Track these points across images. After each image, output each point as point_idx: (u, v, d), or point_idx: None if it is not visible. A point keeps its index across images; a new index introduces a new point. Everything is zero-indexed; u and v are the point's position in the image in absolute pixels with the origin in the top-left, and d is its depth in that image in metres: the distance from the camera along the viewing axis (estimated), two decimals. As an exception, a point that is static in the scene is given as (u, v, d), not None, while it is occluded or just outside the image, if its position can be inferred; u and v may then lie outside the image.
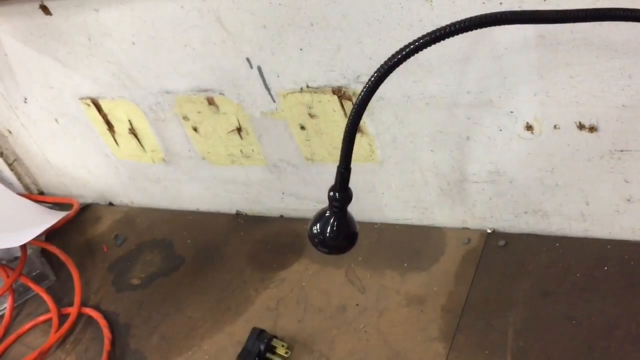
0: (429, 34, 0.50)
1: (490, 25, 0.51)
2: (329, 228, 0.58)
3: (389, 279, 0.85)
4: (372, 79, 0.53)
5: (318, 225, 0.59)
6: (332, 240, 0.59)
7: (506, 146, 0.76)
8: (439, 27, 0.50)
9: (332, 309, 0.84)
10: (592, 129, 0.69)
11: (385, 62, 0.53)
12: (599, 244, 0.78)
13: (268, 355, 0.80)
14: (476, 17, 0.50)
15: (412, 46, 0.51)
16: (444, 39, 0.51)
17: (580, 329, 0.70)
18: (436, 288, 0.81)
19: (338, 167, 0.57)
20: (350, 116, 0.55)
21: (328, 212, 0.59)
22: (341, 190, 0.58)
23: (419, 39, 0.51)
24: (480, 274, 0.81)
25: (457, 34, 0.50)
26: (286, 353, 0.80)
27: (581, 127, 0.70)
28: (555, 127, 0.71)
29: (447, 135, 0.79)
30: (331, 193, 0.58)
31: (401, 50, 0.52)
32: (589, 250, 0.77)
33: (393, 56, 0.52)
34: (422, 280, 0.83)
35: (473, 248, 0.84)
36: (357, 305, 0.84)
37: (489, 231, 0.86)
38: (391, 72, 0.53)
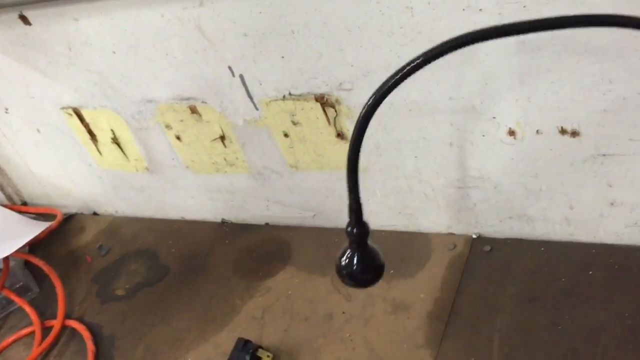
0: (424, 54, 0.48)
1: (488, 39, 0.48)
2: (354, 262, 0.58)
3: (375, 286, 0.85)
4: (365, 109, 0.50)
5: (343, 259, 0.59)
6: (359, 274, 0.59)
7: (489, 152, 0.76)
8: (434, 45, 0.48)
9: (318, 318, 0.84)
10: (575, 133, 0.69)
11: (380, 88, 0.50)
12: (584, 248, 0.78)
13: (254, 365, 0.79)
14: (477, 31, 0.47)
15: (408, 67, 0.48)
16: (441, 56, 0.48)
17: (566, 335, 0.69)
18: (422, 295, 0.81)
19: (349, 204, 0.56)
20: (350, 147, 0.53)
21: (350, 249, 0.59)
22: (357, 226, 0.57)
23: (413, 60, 0.48)
24: (466, 280, 0.81)
25: (456, 50, 0.48)
26: (272, 363, 0.79)
27: (563, 132, 0.70)
28: (537, 132, 0.71)
29: (431, 141, 0.79)
30: (348, 229, 0.57)
31: (396, 73, 0.49)
32: (574, 254, 0.77)
33: (385, 82, 0.49)
34: (408, 286, 0.83)
35: (459, 254, 0.84)
36: (343, 313, 0.83)
37: (474, 236, 0.86)
38: (388, 94, 0.50)
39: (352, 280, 0.60)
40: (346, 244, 0.58)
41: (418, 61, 0.48)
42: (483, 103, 0.71)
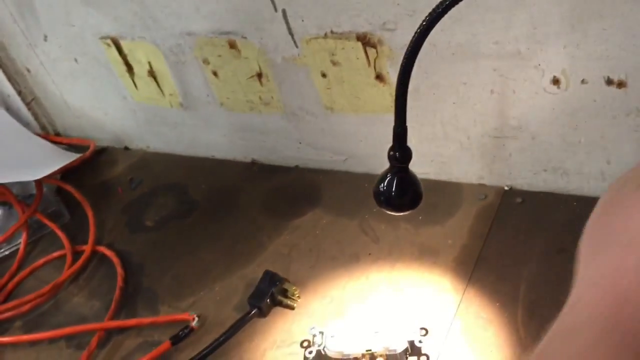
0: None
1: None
2: (393, 187, 0.59)
3: (403, 230, 0.85)
4: (421, 28, 0.51)
5: (382, 184, 0.60)
6: (396, 199, 0.60)
7: (531, 101, 0.75)
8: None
9: (344, 257, 0.85)
10: (621, 84, 0.68)
11: (434, 9, 0.50)
12: (618, 204, 0.77)
13: (279, 297, 0.80)
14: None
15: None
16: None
17: (594, 286, 0.69)
18: (450, 241, 0.81)
19: (394, 127, 0.57)
20: (400, 71, 0.54)
21: (390, 172, 0.60)
22: (400, 149, 0.58)
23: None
24: (495, 229, 0.81)
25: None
26: (297, 297, 0.80)
27: (609, 82, 0.69)
28: (582, 81, 0.70)
29: (471, 87, 0.78)
30: (391, 152, 0.58)
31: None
32: (607, 210, 0.77)
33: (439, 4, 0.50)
34: (436, 233, 0.83)
35: (489, 204, 0.84)
36: (369, 254, 0.84)
37: (506, 188, 0.85)
38: (441, 18, 0.50)
39: (388, 204, 0.60)
40: (385, 169, 0.58)
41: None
42: (529, 49, 0.70)
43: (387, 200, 0.60)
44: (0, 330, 0.90)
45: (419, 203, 0.62)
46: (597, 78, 0.69)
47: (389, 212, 0.64)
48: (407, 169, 0.59)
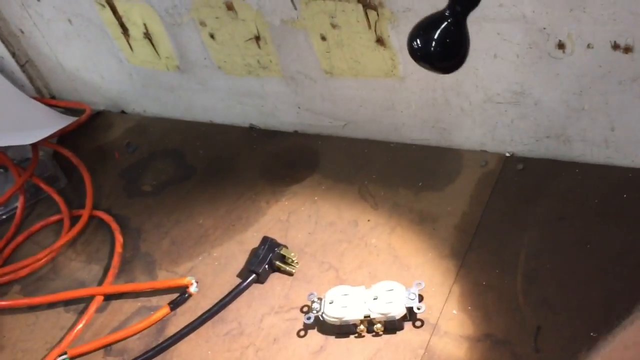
0: None
1: None
2: (437, 35, 0.46)
3: (402, 197, 0.85)
4: None
5: (425, 29, 0.46)
6: (439, 53, 0.47)
7: (535, 65, 0.73)
8: None
9: (343, 223, 0.84)
10: (628, 49, 0.67)
11: None
12: (620, 171, 0.76)
13: (278, 263, 0.80)
14: None
15: None
16: None
17: (594, 253, 0.69)
18: (450, 208, 0.81)
19: None
20: None
21: (441, 17, 0.47)
22: None
23: None
24: (496, 196, 0.80)
25: None
26: (296, 263, 0.80)
27: (616, 47, 0.67)
28: (588, 46, 0.68)
29: (474, 51, 0.75)
30: None
31: None
32: (609, 177, 0.76)
33: None
34: (436, 199, 0.83)
35: (490, 171, 0.83)
36: (368, 220, 0.83)
37: (507, 155, 0.84)
38: None
39: (425, 60, 0.48)
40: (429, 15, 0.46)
41: None
42: (535, 12, 0.69)
43: (426, 54, 0.47)
44: (-1, 295, 0.90)
45: (461, 65, 0.50)
46: (604, 42, 0.67)
47: (422, 65, 0.51)
48: (466, 16, 0.47)
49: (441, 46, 0.47)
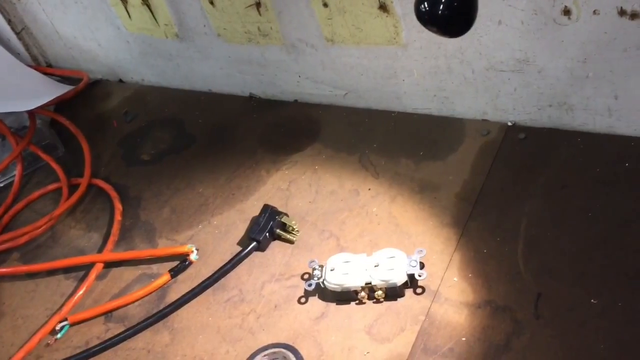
0: None
1: None
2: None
3: (403, 166, 0.84)
4: None
5: None
6: (446, 10, 0.47)
7: (539, 32, 0.72)
8: None
9: (344, 192, 0.84)
10: (634, 15, 0.66)
11: None
12: (623, 140, 0.76)
13: (278, 231, 0.80)
14: None
15: None
16: None
17: (596, 222, 0.69)
18: (451, 177, 0.81)
19: None
20: None
21: None
22: None
23: None
24: (497, 165, 0.80)
25: None
26: (297, 231, 0.80)
27: (622, 13, 0.66)
28: (594, 12, 0.67)
29: (478, 17, 0.74)
30: None
31: None
32: (611, 146, 0.76)
33: None
34: (437, 168, 0.82)
35: (492, 140, 0.83)
36: (369, 189, 0.83)
37: (509, 124, 0.84)
38: None
39: (433, 23, 0.47)
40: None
41: None
42: (541, -24, 0.68)
43: (433, 16, 0.47)
44: (-2, 262, 0.90)
45: (469, 28, 0.50)
46: (610, 8, 0.66)
47: (434, 31, 0.51)
48: None
49: (449, 9, 0.47)
